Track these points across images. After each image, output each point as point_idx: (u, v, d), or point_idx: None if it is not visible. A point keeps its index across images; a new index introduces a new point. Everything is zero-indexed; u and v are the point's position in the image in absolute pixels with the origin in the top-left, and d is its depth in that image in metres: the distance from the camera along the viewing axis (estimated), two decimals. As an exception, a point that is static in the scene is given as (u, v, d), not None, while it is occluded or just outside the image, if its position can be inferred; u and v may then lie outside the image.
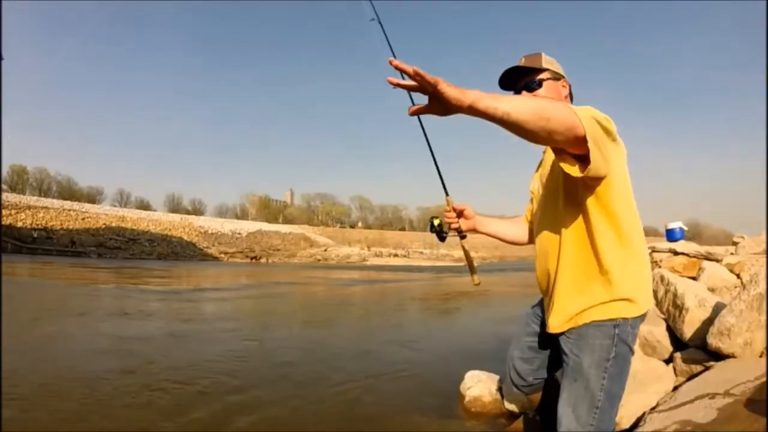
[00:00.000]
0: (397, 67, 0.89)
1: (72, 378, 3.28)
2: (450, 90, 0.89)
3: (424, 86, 0.89)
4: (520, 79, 1.41)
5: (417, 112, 0.97)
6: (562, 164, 1.11)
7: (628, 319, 1.25)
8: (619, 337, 1.23)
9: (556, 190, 1.31)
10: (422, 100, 0.95)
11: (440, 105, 0.92)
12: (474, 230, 1.70)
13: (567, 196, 1.27)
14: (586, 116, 1.03)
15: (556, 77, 1.42)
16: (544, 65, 1.40)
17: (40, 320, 5.84)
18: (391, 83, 0.92)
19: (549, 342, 1.49)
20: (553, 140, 1.01)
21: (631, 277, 1.25)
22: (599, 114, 1.11)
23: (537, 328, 1.55)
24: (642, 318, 1.29)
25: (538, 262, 1.43)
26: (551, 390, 1.65)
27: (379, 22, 1.79)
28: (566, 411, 1.26)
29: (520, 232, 1.72)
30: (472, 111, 0.91)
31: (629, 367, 1.28)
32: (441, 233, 1.71)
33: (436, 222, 1.72)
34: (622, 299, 1.24)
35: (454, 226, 1.66)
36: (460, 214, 1.67)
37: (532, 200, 1.56)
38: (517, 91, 1.43)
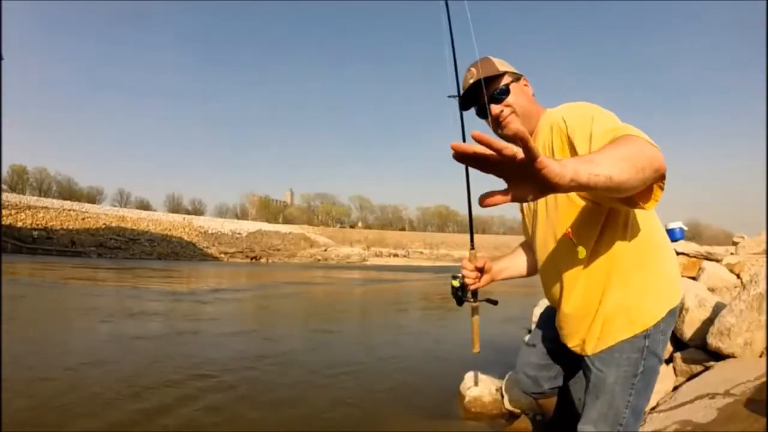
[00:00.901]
0: (481, 141, 0.62)
1: (73, 377, 3.28)
2: (554, 165, 0.66)
3: (512, 161, 0.64)
4: (482, 93, 1.25)
5: (496, 203, 0.68)
6: (617, 205, 0.98)
7: (659, 323, 1.14)
8: (648, 349, 1.13)
9: (559, 202, 1.19)
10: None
11: (533, 186, 0.67)
12: (491, 282, 1.52)
13: (577, 209, 1.16)
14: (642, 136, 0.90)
15: (516, 77, 1.30)
16: (501, 68, 1.28)
17: (39, 321, 5.84)
18: (461, 152, 0.63)
19: (566, 349, 1.35)
20: (642, 187, 0.83)
21: (653, 275, 1.16)
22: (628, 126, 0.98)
23: (553, 334, 1.42)
24: (673, 313, 1.18)
25: (544, 277, 1.33)
26: (566, 399, 1.62)
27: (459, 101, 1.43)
28: (587, 429, 1.18)
29: (532, 261, 1.54)
30: (572, 186, 0.69)
31: (657, 376, 1.18)
32: (460, 297, 1.49)
33: (456, 283, 1.48)
34: (644, 302, 1.14)
35: (473, 287, 1.47)
36: (481, 270, 1.47)
37: (523, 219, 1.45)
38: (481, 108, 1.30)
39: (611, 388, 1.14)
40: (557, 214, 1.20)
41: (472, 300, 1.51)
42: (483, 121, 1.35)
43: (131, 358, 3.92)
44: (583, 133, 1.04)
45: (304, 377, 3.59)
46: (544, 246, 1.29)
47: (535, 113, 1.29)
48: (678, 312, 1.22)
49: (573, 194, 1.15)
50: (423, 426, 2.64)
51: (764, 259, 3.68)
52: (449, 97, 1.50)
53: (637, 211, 1.14)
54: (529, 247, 1.54)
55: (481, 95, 1.26)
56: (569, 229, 1.17)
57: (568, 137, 1.10)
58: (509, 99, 1.27)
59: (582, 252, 1.14)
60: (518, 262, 1.59)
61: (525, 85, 1.31)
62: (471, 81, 1.28)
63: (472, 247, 1.50)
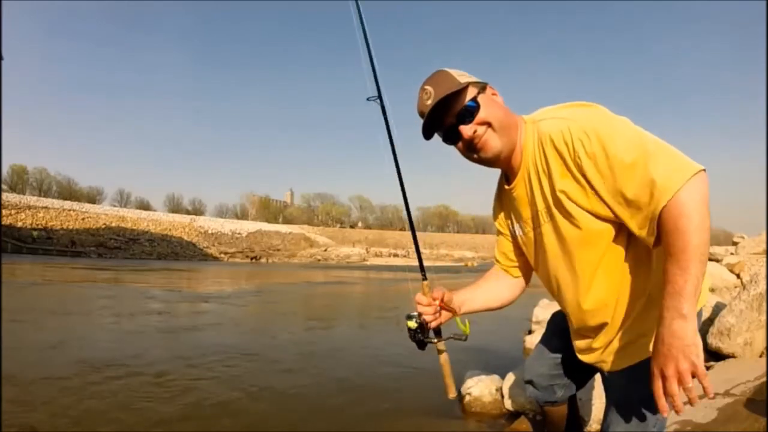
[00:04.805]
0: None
1: (72, 376, 3.28)
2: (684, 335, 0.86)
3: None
4: (446, 114, 1.07)
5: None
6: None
7: None
8: None
9: (574, 217, 1.03)
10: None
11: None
12: (452, 318, 1.28)
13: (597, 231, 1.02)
14: (682, 182, 0.86)
15: (482, 87, 1.09)
16: (461, 80, 1.06)
17: (37, 321, 5.84)
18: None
19: (578, 359, 1.26)
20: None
21: None
22: (667, 153, 0.90)
23: (563, 343, 1.33)
24: (701, 312, 1.10)
25: (562, 297, 1.18)
26: (573, 408, 1.61)
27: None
28: None
29: (505, 291, 1.35)
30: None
31: None
32: (421, 340, 1.24)
33: (412, 324, 1.22)
34: None
35: (434, 324, 1.24)
36: (441, 305, 1.24)
37: (504, 237, 1.30)
38: (449, 132, 1.09)
39: (639, 407, 1.07)
40: (572, 241, 1.06)
41: (435, 340, 1.27)
42: (452, 147, 1.13)
43: (132, 359, 3.92)
44: (611, 183, 0.93)
45: (303, 377, 3.59)
46: (557, 268, 1.14)
47: (513, 125, 1.09)
48: (702, 314, 1.12)
49: (585, 223, 1.01)
50: (423, 426, 2.64)
51: (764, 259, 3.68)
52: (369, 99, 1.35)
53: None
54: (497, 275, 1.36)
55: (445, 116, 1.07)
56: (594, 257, 1.05)
57: (580, 168, 0.96)
58: (481, 114, 1.06)
59: (608, 274, 1.05)
60: (490, 292, 1.35)
61: (493, 94, 1.11)
62: (429, 103, 1.06)
63: (424, 278, 1.29)
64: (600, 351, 1.14)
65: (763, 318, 2.26)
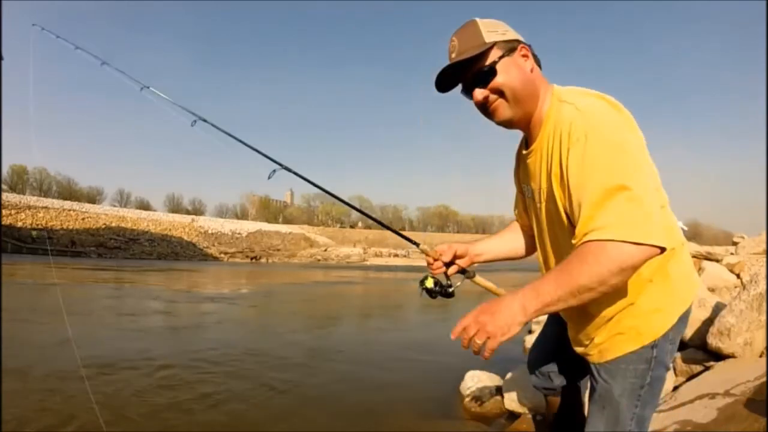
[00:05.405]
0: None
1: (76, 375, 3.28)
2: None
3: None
4: (465, 70, 1.05)
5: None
6: None
7: (668, 333, 1.06)
8: (656, 359, 1.06)
9: (559, 209, 1.05)
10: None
11: None
12: (472, 265, 1.36)
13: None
14: (609, 220, 0.86)
15: (510, 48, 1.04)
16: (488, 38, 1.02)
17: (40, 320, 5.84)
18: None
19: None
20: (625, 276, 0.88)
21: (667, 283, 1.06)
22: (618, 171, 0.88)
23: (561, 332, 1.35)
24: (684, 317, 1.10)
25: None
26: (573, 399, 1.60)
27: None
28: None
29: (519, 242, 1.41)
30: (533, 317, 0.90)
31: (663, 384, 1.13)
32: (445, 290, 1.30)
33: (429, 283, 1.30)
34: (653, 312, 1.05)
35: (451, 271, 1.33)
36: (451, 259, 1.33)
37: (520, 195, 1.32)
38: (465, 88, 1.09)
39: (617, 401, 1.09)
40: (561, 222, 1.07)
41: (458, 282, 1.32)
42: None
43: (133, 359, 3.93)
44: (576, 197, 0.95)
45: (303, 377, 3.59)
46: (547, 250, 1.18)
47: (533, 94, 1.06)
48: (688, 316, 1.12)
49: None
50: (423, 426, 2.64)
51: (764, 259, 3.69)
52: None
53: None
54: (518, 227, 1.41)
55: (464, 72, 1.05)
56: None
57: (566, 161, 0.97)
58: (496, 81, 1.03)
59: None
60: (508, 242, 1.41)
61: (523, 55, 1.05)
62: (453, 57, 1.05)
63: (417, 245, 1.41)
64: (584, 342, 1.15)
65: (763, 318, 2.26)
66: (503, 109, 1.05)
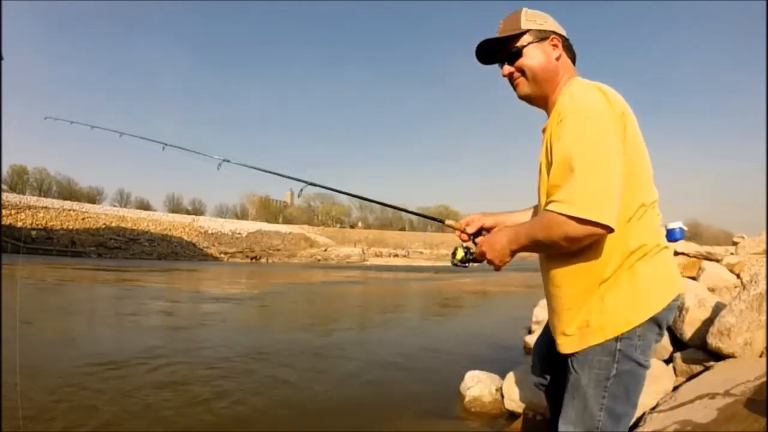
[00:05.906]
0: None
1: (76, 376, 3.28)
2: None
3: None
4: (501, 48, 1.26)
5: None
6: None
7: (635, 329, 1.10)
8: (622, 353, 1.10)
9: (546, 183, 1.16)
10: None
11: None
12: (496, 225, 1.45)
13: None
14: (572, 195, 1.00)
15: (542, 37, 1.22)
16: (525, 26, 1.22)
17: (44, 320, 5.84)
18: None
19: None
20: (573, 245, 1.06)
21: (634, 282, 1.11)
22: (585, 144, 1.03)
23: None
24: (658, 319, 1.13)
25: (541, 271, 1.30)
26: (557, 395, 1.62)
27: None
28: (566, 429, 1.18)
29: None
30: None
31: (642, 381, 1.16)
32: (476, 257, 1.33)
33: (460, 254, 1.36)
34: (618, 309, 1.11)
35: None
36: (478, 230, 1.42)
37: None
38: (500, 62, 1.28)
39: (584, 390, 1.15)
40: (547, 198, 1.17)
41: None
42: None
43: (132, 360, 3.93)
44: (552, 174, 1.10)
45: (303, 377, 3.59)
46: None
47: (551, 79, 1.23)
48: (662, 320, 1.15)
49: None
50: (423, 426, 2.64)
51: (764, 259, 3.68)
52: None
53: (629, 213, 1.11)
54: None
55: (500, 49, 1.26)
56: None
57: (550, 145, 1.14)
58: (521, 61, 1.22)
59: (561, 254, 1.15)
60: (522, 216, 1.48)
61: (553, 45, 1.23)
62: (497, 33, 1.26)
63: (442, 222, 1.57)
64: (559, 335, 1.22)
65: (763, 318, 2.26)
66: (523, 86, 1.25)
